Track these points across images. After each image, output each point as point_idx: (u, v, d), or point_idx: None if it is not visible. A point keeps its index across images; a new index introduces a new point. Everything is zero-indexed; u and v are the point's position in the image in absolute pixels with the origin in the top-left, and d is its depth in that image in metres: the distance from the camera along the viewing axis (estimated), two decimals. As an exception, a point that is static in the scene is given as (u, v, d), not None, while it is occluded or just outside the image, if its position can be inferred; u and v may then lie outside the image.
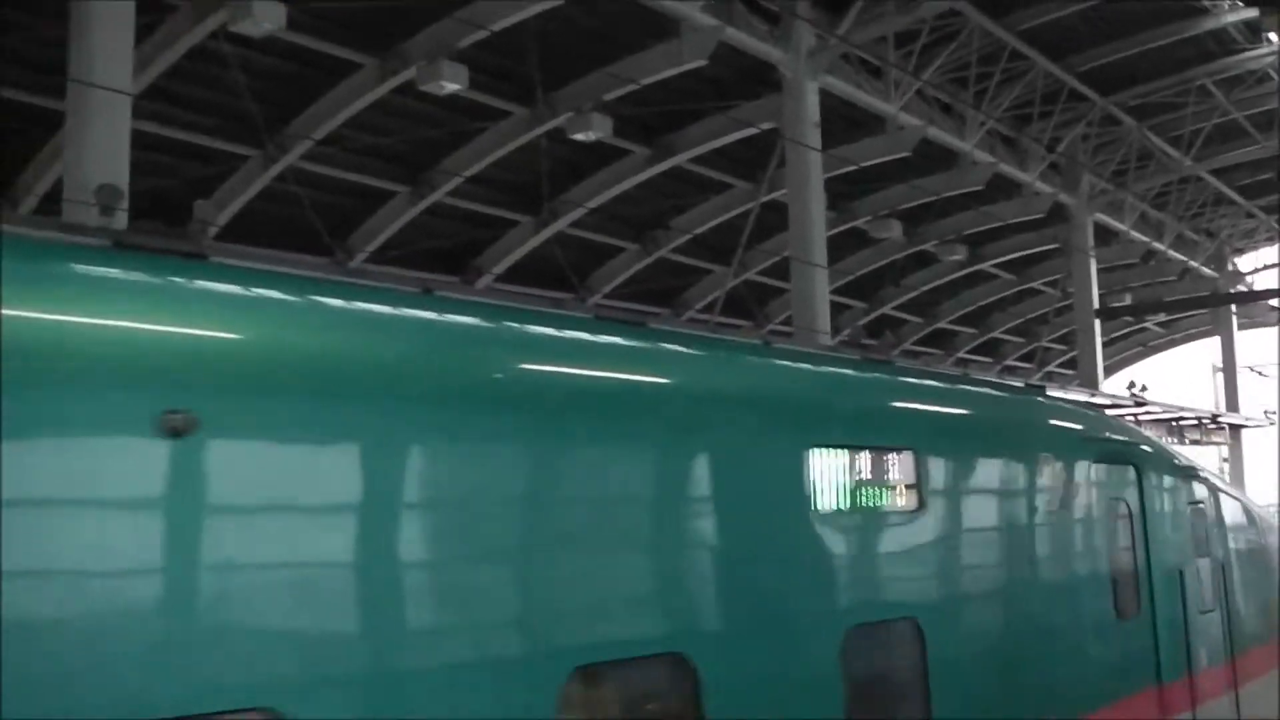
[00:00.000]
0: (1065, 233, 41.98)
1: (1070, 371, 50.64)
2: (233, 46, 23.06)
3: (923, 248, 42.09)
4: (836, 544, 7.85)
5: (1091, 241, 41.77)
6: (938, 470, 8.71)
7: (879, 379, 9.55)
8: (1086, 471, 10.64)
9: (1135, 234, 45.14)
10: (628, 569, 6.48)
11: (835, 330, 30.96)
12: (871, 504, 8.12)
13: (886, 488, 8.29)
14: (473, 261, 34.29)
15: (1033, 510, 9.82)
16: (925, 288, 47.29)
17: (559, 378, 6.54)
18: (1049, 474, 10.06)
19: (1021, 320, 54.81)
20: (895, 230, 37.68)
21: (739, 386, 7.83)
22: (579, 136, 28.24)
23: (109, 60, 14.59)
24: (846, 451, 7.87)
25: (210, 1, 22.22)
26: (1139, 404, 38.59)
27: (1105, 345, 45.39)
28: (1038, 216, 40.55)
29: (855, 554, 8.07)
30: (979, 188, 36.20)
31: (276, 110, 26.52)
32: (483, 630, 5.73)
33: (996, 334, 55.71)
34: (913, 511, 8.43)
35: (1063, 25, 31.95)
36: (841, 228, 36.79)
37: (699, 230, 36.66)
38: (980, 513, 9.38)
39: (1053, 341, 54.58)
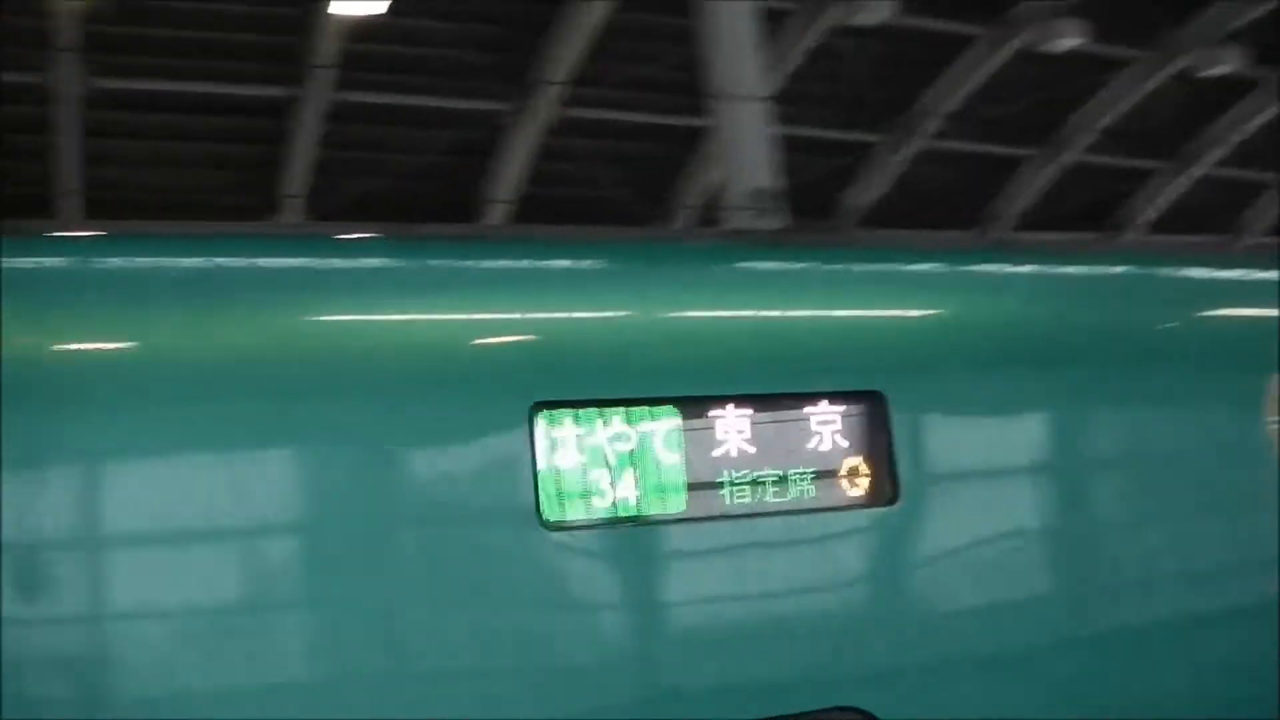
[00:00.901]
0: None
1: None
2: (845, 39, 23.77)
3: None
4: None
5: None
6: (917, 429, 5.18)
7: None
8: None
9: None
10: None
11: None
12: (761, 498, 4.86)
13: (800, 472, 4.91)
14: (1115, 215, 33.50)
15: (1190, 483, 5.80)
16: None
17: None
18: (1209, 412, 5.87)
19: None
20: None
21: None
22: (1209, 73, 27.49)
23: (743, 73, 15.37)
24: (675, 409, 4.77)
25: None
26: None
27: None
28: None
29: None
30: None
31: (895, 94, 27.03)
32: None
33: None
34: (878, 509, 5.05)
35: None
36: None
37: None
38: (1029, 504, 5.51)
39: None
